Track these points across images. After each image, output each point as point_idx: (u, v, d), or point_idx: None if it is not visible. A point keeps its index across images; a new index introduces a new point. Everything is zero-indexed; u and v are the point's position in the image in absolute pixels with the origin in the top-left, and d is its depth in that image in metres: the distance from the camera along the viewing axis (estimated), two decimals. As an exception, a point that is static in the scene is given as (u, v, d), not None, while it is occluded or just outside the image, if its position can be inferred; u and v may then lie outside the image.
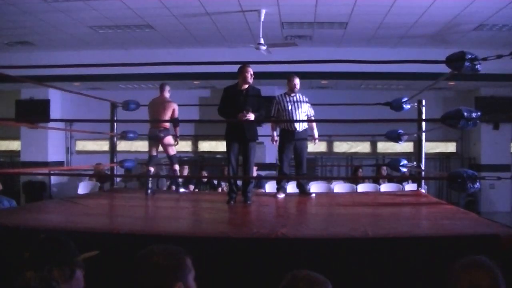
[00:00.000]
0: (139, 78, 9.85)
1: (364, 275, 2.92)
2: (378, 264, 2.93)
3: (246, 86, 4.90)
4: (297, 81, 5.54)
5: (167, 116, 5.87)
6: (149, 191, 5.73)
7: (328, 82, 10.15)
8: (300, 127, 5.45)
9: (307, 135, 5.64)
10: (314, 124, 5.72)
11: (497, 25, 7.48)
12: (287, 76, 5.63)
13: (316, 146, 6.35)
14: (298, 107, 5.46)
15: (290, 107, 5.45)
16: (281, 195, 5.49)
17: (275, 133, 5.68)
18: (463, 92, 11.45)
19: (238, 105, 4.79)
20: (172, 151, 6.04)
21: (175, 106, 5.93)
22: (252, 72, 4.89)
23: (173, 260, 1.60)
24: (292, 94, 5.52)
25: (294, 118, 5.44)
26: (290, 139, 5.46)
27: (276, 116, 5.55)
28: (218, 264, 2.85)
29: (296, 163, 5.61)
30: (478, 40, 8.24)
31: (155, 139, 5.93)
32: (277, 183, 5.73)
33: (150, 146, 6.04)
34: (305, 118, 5.53)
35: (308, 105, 5.58)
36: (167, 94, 6.08)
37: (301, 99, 5.52)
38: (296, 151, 5.54)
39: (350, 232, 3.33)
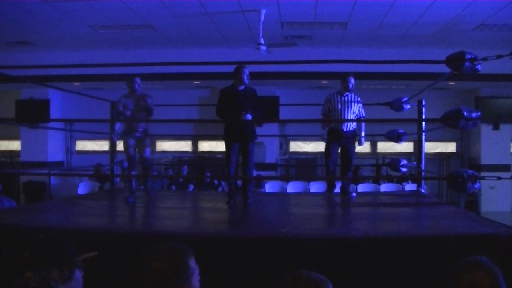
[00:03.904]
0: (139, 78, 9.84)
1: (364, 275, 2.92)
2: (378, 264, 2.93)
3: (243, 86, 4.90)
4: (352, 81, 5.49)
5: None
6: None
7: (328, 82, 10.14)
8: (347, 126, 5.42)
9: (355, 135, 5.58)
10: (363, 124, 5.68)
11: (497, 25, 7.47)
12: (342, 76, 5.58)
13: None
14: (348, 107, 5.43)
15: (340, 107, 5.43)
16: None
17: (324, 132, 5.55)
18: (463, 92, 11.45)
19: (235, 106, 4.78)
20: None
21: None
22: (248, 73, 4.87)
23: (175, 264, 1.54)
24: (345, 94, 5.49)
25: (344, 118, 5.41)
26: (337, 139, 5.42)
27: (326, 115, 5.52)
28: (218, 264, 2.85)
29: (343, 164, 5.55)
30: (478, 40, 8.24)
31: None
32: (327, 184, 5.66)
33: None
34: (355, 118, 5.49)
35: (360, 105, 5.53)
36: None
37: (353, 99, 5.49)
38: (343, 151, 5.49)
39: (350, 232, 3.33)
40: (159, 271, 1.52)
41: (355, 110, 5.49)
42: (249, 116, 4.77)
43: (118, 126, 5.33)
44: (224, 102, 4.87)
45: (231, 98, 4.83)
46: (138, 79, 5.34)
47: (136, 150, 5.31)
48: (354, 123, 5.51)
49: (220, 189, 8.80)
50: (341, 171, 5.66)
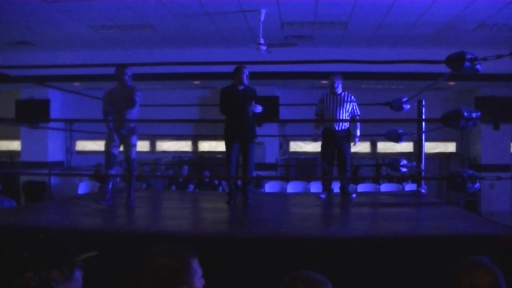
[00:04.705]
0: (139, 78, 9.80)
1: (364, 275, 2.92)
2: (378, 264, 2.93)
3: (242, 86, 4.90)
4: (335, 79, 5.49)
5: None
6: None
7: (328, 82, 10.15)
8: (339, 126, 5.41)
9: (349, 135, 5.55)
10: (357, 123, 5.65)
11: (497, 25, 7.48)
12: (329, 76, 5.59)
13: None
14: (341, 106, 5.42)
15: (332, 106, 5.43)
16: (323, 195, 5.42)
17: (317, 132, 5.55)
18: (463, 92, 11.45)
19: (236, 106, 4.79)
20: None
21: None
22: (247, 73, 4.87)
23: (177, 263, 1.53)
24: (338, 93, 5.47)
25: (337, 117, 5.40)
26: (331, 139, 5.42)
27: (320, 115, 5.53)
28: (218, 264, 2.85)
29: (339, 164, 5.53)
30: (478, 40, 8.24)
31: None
32: (322, 183, 5.68)
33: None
34: (349, 118, 5.47)
35: (354, 104, 5.50)
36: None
37: (346, 99, 5.47)
38: (338, 151, 5.48)
39: (350, 232, 3.33)
40: (159, 269, 1.51)
41: (348, 109, 5.47)
42: (258, 109, 4.77)
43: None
44: (225, 102, 4.88)
45: (231, 98, 4.84)
46: (129, 71, 4.81)
47: (122, 149, 4.83)
48: (347, 122, 5.50)
49: (220, 189, 8.80)
50: (338, 172, 5.66)
